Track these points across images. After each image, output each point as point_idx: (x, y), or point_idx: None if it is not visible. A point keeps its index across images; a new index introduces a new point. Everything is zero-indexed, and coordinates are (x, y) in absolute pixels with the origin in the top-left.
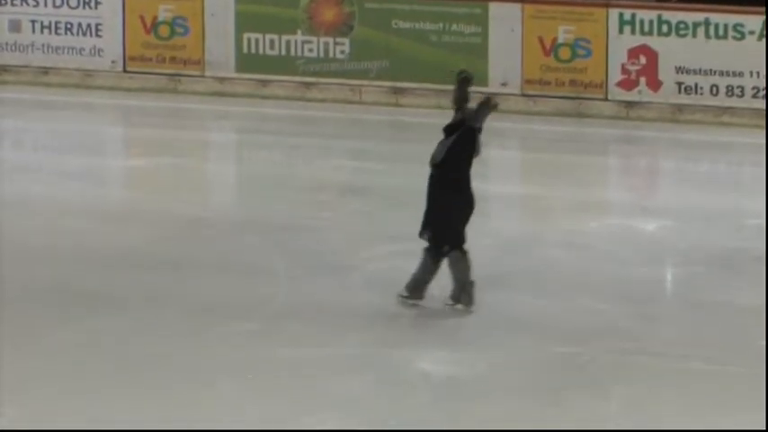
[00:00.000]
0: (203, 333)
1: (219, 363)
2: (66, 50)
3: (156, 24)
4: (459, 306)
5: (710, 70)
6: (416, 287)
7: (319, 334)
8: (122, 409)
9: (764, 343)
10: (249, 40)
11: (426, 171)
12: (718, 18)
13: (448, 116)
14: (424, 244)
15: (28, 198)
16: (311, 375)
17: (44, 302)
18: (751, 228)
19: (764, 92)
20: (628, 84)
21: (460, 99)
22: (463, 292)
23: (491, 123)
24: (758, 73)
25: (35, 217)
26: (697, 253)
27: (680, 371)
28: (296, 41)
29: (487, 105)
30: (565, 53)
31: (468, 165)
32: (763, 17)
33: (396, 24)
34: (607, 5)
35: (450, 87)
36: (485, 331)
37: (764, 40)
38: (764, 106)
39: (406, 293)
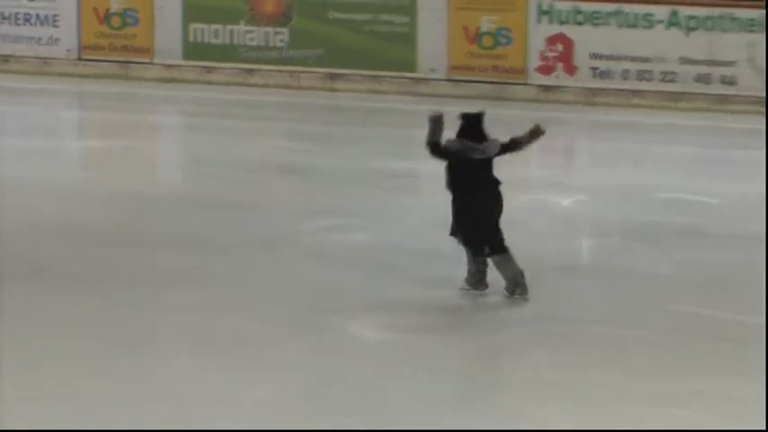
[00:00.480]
0: (149, 302)
1: (166, 330)
2: (24, 40)
3: (108, 15)
4: (517, 296)
5: (622, 56)
6: (475, 280)
7: (258, 303)
8: (74, 377)
9: (675, 308)
10: (195, 29)
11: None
12: (629, 8)
13: (380, 100)
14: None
15: None
16: (252, 342)
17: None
18: (660, 201)
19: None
20: (546, 69)
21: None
22: (517, 286)
23: (417, 107)
24: (665, 58)
25: None
26: (610, 225)
27: (595, 336)
28: (239, 31)
29: (536, 133)
30: (488, 41)
31: (475, 170)
32: (670, 7)
33: (331, 15)
34: None
35: (382, 74)
36: (416, 299)
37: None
38: (675, 89)
39: (467, 286)
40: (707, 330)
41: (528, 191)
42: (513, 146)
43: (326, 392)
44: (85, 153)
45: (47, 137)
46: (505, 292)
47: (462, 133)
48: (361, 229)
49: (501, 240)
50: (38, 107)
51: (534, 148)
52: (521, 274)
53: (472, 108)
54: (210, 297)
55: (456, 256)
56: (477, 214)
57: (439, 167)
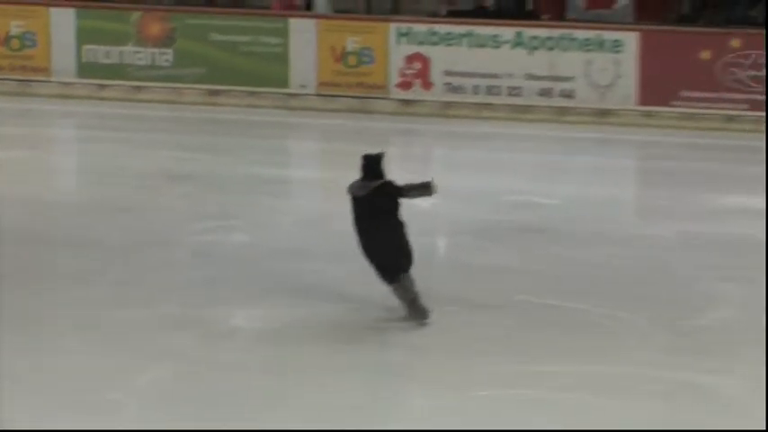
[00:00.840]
0: (50, 297)
1: (66, 322)
2: None
3: (8, 38)
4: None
5: (473, 73)
6: (414, 308)
7: (149, 297)
8: None
9: (524, 297)
10: (88, 50)
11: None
12: (479, 30)
13: (257, 113)
14: None
15: None
16: (144, 332)
17: None
18: (508, 203)
19: (518, 90)
20: (405, 85)
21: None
22: (413, 311)
23: (290, 119)
24: (511, 75)
25: None
26: (462, 225)
27: (449, 323)
28: (127, 52)
29: (428, 189)
30: (352, 60)
31: (363, 216)
32: (515, 29)
33: (212, 37)
34: (388, 20)
35: (259, 90)
36: (290, 293)
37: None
38: (520, 102)
39: (416, 319)
40: (545, 317)
41: None
42: (401, 191)
43: (207, 377)
44: None
45: None
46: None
47: (363, 173)
48: (241, 230)
49: (391, 270)
50: None
51: (396, 156)
52: (416, 298)
53: (372, 149)
54: (105, 293)
55: (325, 255)
56: (371, 247)
57: (307, 173)
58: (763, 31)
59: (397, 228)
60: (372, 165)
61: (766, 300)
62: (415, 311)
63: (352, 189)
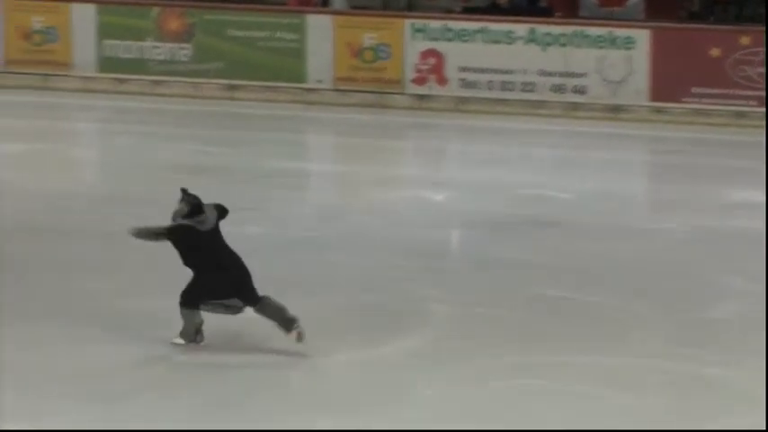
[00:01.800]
0: (70, 288)
1: (86, 312)
2: None
3: (30, 33)
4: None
5: (487, 69)
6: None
7: (169, 287)
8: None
9: (537, 290)
10: (108, 45)
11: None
12: (493, 26)
13: (274, 107)
14: None
15: None
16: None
17: None
18: (520, 197)
19: (531, 86)
20: (420, 80)
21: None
22: (289, 322)
23: (306, 113)
24: (525, 71)
25: None
26: (477, 218)
27: (462, 314)
28: (147, 47)
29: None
30: (369, 55)
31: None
32: (529, 26)
33: (230, 33)
34: (403, 16)
35: (276, 84)
36: (306, 284)
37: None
38: (533, 98)
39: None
40: (561, 309)
41: (404, 187)
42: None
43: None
44: (9, 157)
45: None
46: (284, 333)
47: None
48: (259, 222)
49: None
50: None
51: (411, 150)
52: (283, 310)
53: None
54: (123, 283)
55: (341, 246)
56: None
57: (324, 167)
58: None
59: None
60: (193, 200)
61: (766, 298)
62: (291, 321)
63: (193, 225)
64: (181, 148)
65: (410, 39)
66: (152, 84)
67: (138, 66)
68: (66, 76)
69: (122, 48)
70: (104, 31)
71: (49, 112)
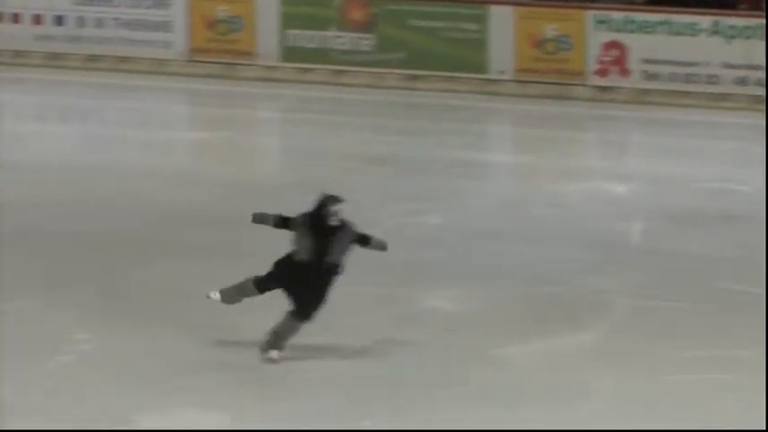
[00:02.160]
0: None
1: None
2: (141, 44)
3: (215, 22)
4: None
5: (670, 61)
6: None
7: (347, 277)
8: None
9: (723, 284)
10: (292, 35)
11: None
12: (676, 18)
13: (455, 98)
14: None
15: (118, 164)
16: (342, 310)
17: (121, 249)
18: (704, 190)
19: (715, 79)
20: (602, 72)
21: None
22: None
23: (487, 104)
24: (708, 63)
25: (120, 180)
26: (659, 211)
27: (645, 307)
28: (330, 36)
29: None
30: (551, 47)
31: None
32: (713, 18)
33: (412, 23)
34: (585, 8)
35: (457, 75)
36: (489, 275)
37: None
38: (717, 90)
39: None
40: (744, 304)
41: (584, 179)
42: None
43: (394, 356)
44: (193, 144)
45: (158, 130)
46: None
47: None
48: (437, 211)
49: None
50: (151, 102)
51: (592, 142)
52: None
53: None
54: None
55: (520, 237)
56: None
57: (503, 157)
58: None
59: None
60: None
61: (767, 299)
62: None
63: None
64: (362, 138)
65: (592, 30)
66: (334, 73)
67: (320, 55)
68: (249, 65)
69: (305, 37)
70: (288, 21)
71: (233, 100)
